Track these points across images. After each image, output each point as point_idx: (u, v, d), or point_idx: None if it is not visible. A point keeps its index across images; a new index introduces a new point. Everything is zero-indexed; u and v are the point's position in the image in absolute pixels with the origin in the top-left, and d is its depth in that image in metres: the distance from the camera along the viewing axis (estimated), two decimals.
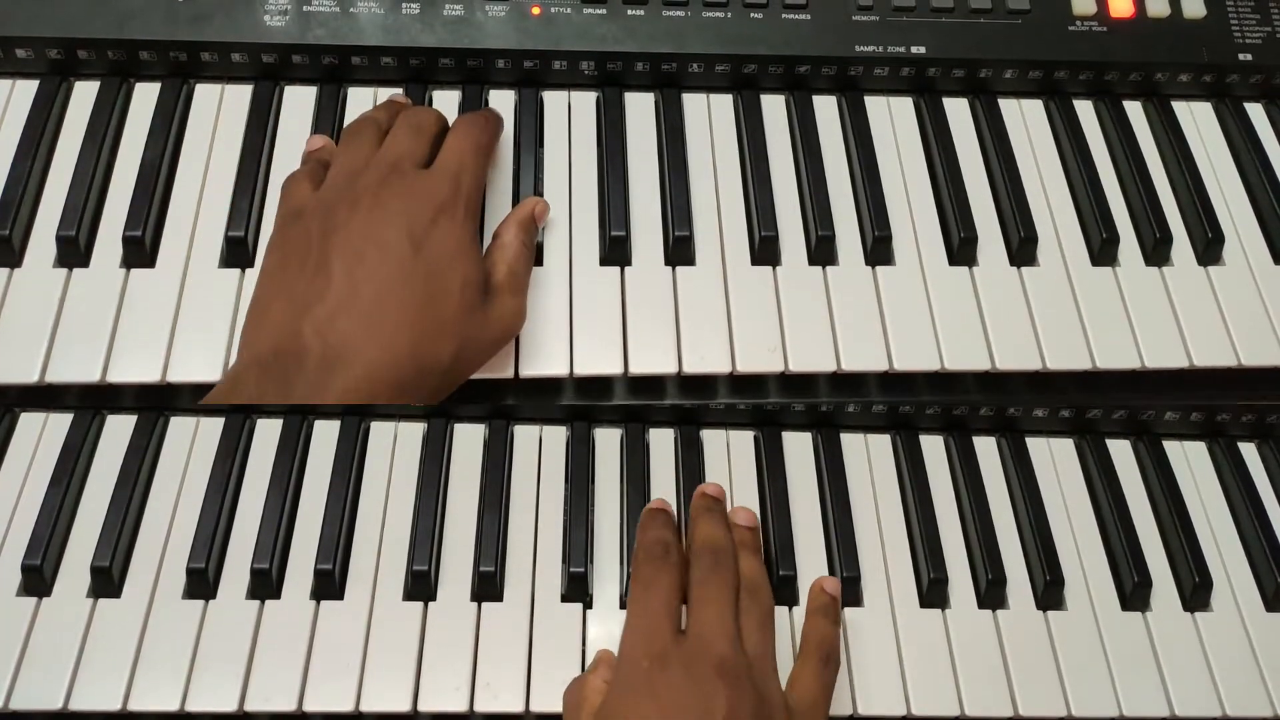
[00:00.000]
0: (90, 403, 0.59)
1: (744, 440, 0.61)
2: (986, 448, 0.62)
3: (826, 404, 0.60)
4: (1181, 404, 0.61)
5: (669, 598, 0.50)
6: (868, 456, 0.61)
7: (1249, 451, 0.64)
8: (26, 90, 0.60)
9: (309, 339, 0.46)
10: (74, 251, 0.55)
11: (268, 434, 0.60)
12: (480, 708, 0.52)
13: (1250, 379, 0.59)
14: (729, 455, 0.61)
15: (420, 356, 0.47)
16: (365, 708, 0.52)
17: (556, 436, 0.61)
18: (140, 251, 0.55)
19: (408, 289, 0.47)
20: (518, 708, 0.52)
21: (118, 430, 0.59)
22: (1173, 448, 0.64)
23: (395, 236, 0.48)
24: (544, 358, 0.54)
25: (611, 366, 0.54)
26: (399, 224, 0.49)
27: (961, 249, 0.59)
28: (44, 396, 0.58)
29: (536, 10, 0.60)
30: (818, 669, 0.50)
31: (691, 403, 0.59)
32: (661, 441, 0.61)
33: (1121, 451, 0.63)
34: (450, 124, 0.56)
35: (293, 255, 0.49)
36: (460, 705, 0.52)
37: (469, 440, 0.60)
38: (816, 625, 0.53)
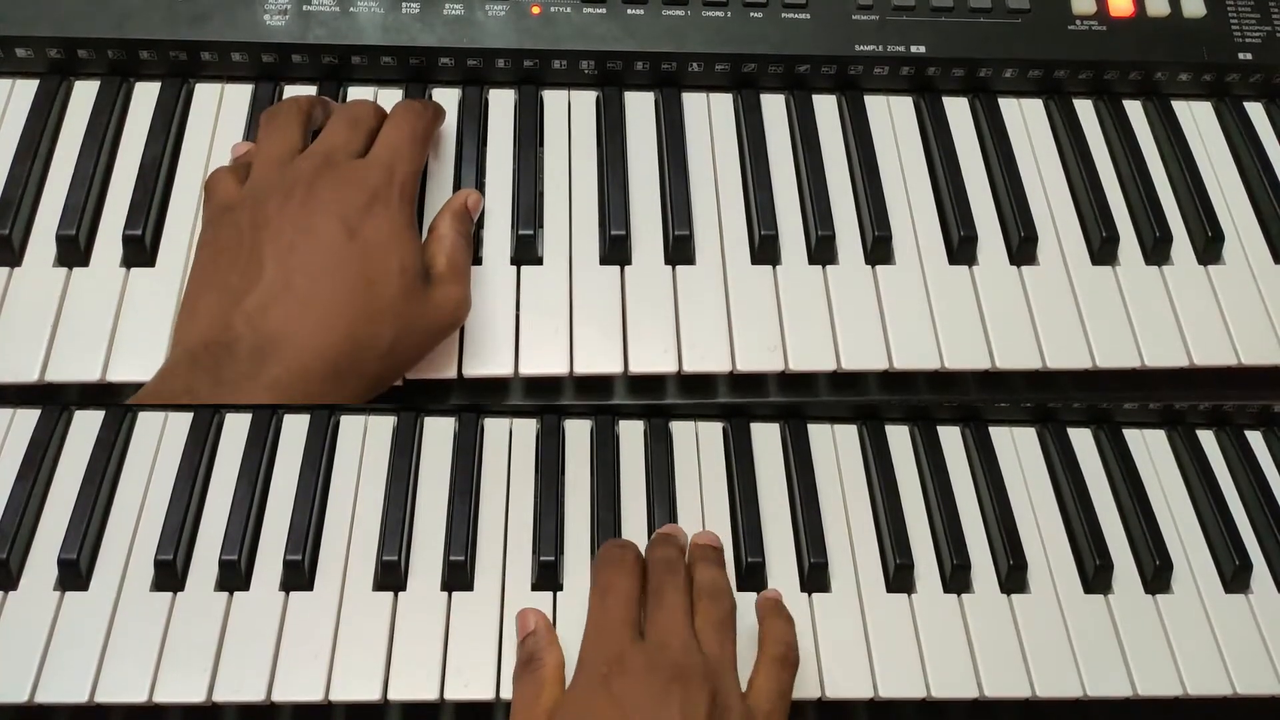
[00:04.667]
0: (56, 398, 0.59)
1: (712, 432, 0.62)
2: (951, 437, 0.63)
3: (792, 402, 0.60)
4: (1145, 399, 0.63)
5: (626, 602, 0.50)
6: (835, 447, 0.62)
7: (1207, 439, 0.66)
8: (26, 90, 0.60)
9: (240, 328, 0.45)
10: (74, 251, 0.55)
11: (237, 427, 0.60)
12: (450, 696, 0.52)
13: (1207, 377, 0.59)
14: (698, 447, 0.61)
15: (357, 339, 0.46)
16: (334, 697, 0.52)
17: (526, 428, 0.61)
18: (140, 251, 0.55)
19: (342, 274, 0.47)
20: (488, 695, 0.53)
21: (85, 424, 0.59)
22: (1132, 435, 0.65)
23: (328, 224, 0.48)
24: (543, 356, 0.54)
25: (611, 365, 0.54)
26: (332, 212, 0.48)
27: (961, 248, 0.59)
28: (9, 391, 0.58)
29: (536, 9, 0.60)
30: (775, 670, 0.51)
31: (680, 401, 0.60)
32: (630, 433, 0.62)
33: (1082, 439, 0.64)
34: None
35: (224, 249, 0.48)
36: (431, 694, 0.52)
37: (439, 432, 0.60)
38: (772, 626, 0.53)
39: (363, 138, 0.52)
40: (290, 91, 0.61)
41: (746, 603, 0.56)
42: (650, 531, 0.58)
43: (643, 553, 0.54)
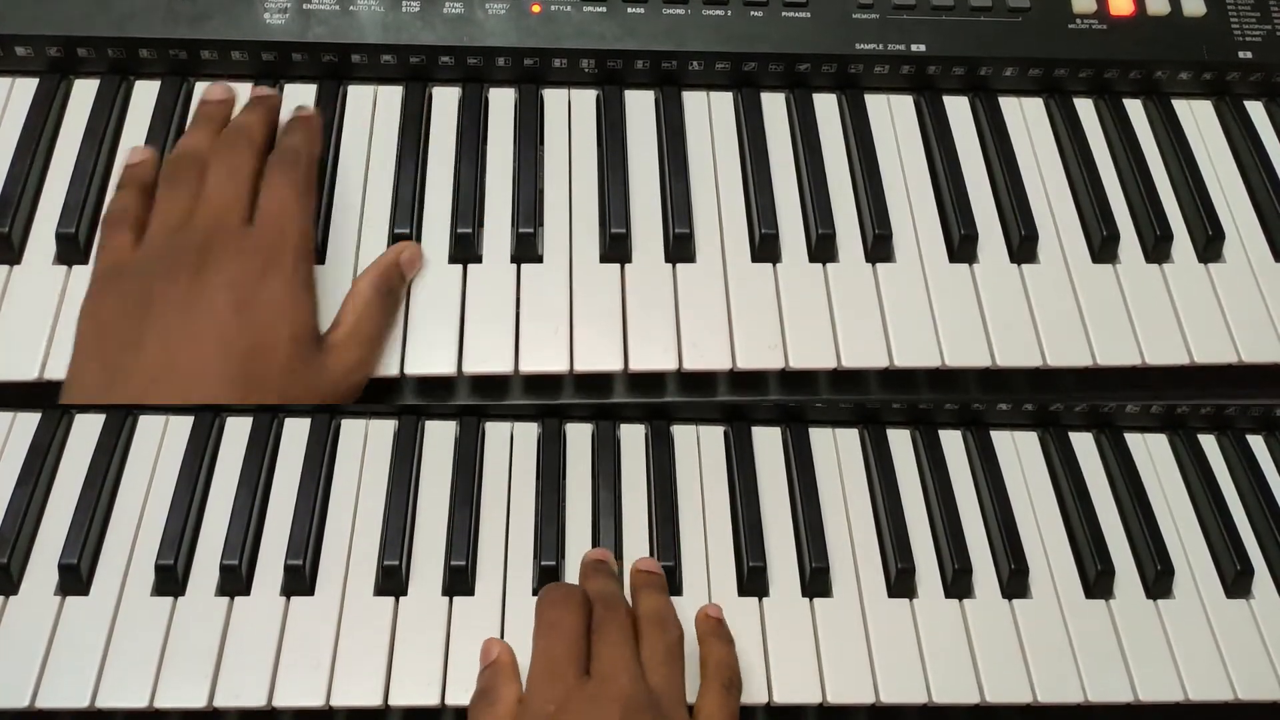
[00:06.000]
0: (55, 396, 0.58)
1: (713, 435, 0.62)
2: (952, 441, 0.63)
3: (793, 400, 0.60)
4: (1147, 399, 0.63)
5: (571, 639, 0.49)
6: (836, 451, 0.62)
7: (1208, 443, 0.65)
8: (26, 88, 0.60)
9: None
10: (73, 249, 0.55)
11: (237, 431, 0.60)
12: (452, 701, 0.52)
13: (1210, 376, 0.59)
14: (699, 450, 0.61)
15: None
16: (336, 703, 0.52)
17: (527, 432, 0.61)
18: None
19: (227, 348, 0.46)
20: None
21: (86, 428, 0.59)
22: (1134, 439, 0.64)
23: (216, 301, 0.47)
24: (544, 354, 0.54)
25: (611, 363, 0.54)
26: (221, 288, 0.47)
27: (962, 246, 0.59)
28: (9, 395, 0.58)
29: (537, 8, 0.60)
30: (721, 695, 0.50)
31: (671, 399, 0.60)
32: (632, 437, 0.61)
33: (1084, 443, 0.64)
34: (278, 132, 0.55)
35: (107, 323, 0.48)
36: (432, 699, 0.52)
37: (440, 437, 0.60)
38: (712, 649, 0.52)
39: (246, 191, 0.51)
40: (290, 90, 0.61)
41: (746, 608, 0.56)
42: (652, 537, 0.58)
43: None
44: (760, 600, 0.56)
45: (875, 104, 0.63)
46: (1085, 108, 0.65)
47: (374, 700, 0.52)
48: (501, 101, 0.62)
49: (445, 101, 0.61)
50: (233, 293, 0.47)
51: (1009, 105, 0.64)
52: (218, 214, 0.50)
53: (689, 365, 0.54)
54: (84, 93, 0.60)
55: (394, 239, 0.56)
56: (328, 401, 0.50)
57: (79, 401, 0.47)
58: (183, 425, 0.59)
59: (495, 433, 0.61)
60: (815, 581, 0.57)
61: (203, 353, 0.46)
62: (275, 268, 0.49)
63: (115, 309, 0.48)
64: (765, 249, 0.58)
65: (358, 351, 0.51)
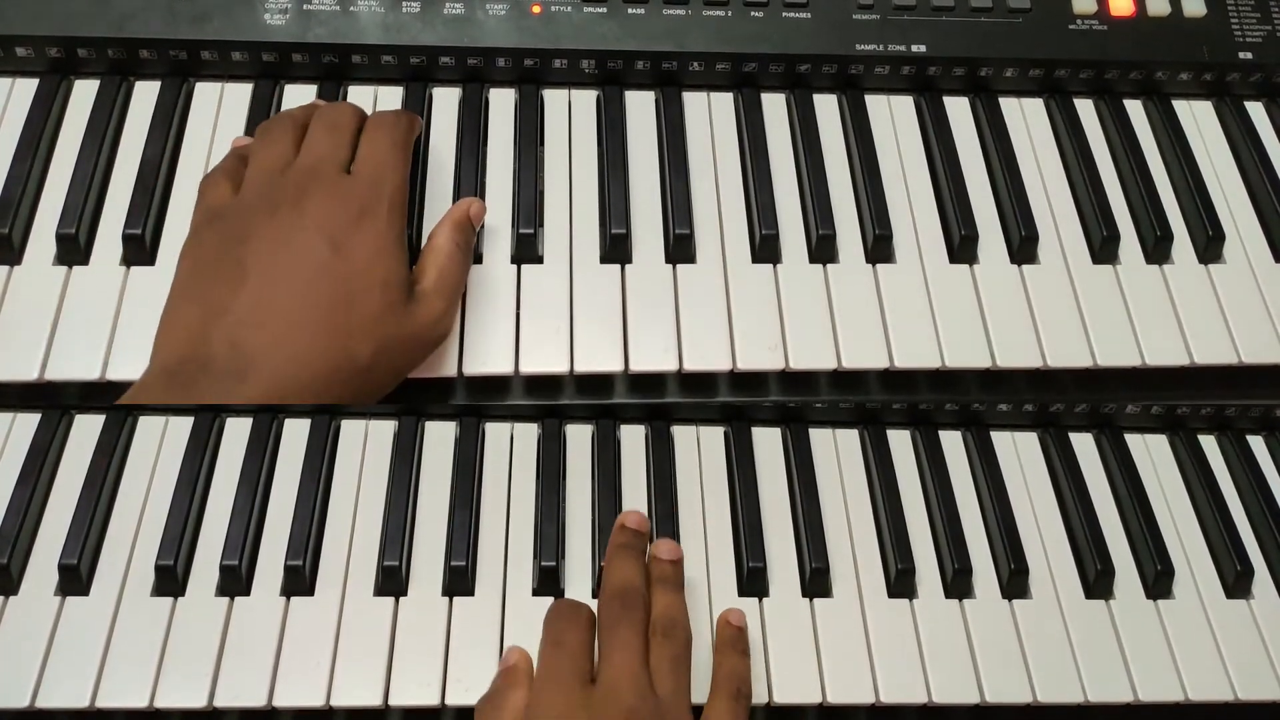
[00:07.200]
0: (56, 401, 0.59)
1: (714, 436, 0.62)
2: (952, 441, 0.63)
3: (793, 401, 0.60)
4: (1147, 400, 0.62)
5: (578, 654, 0.50)
6: (836, 451, 0.62)
7: (1208, 443, 0.65)
8: (27, 88, 0.60)
9: (216, 346, 0.45)
10: (74, 249, 0.55)
11: (237, 431, 0.60)
12: (452, 701, 0.52)
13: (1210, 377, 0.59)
14: (699, 451, 0.61)
15: (336, 357, 0.47)
16: (335, 703, 0.52)
17: (527, 433, 0.61)
18: (140, 249, 0.55)
19: (323, 291, 0.47)
20: None
21: (86, 428, 0.59)
22: (1134, 440, 0.64)
23: (313, 239, 0.48)
24: (544, 355, 0.54)
25: (612, 364, 0.54)
26: (318, 227, 0.48)
27: (962, 247, 0.59)
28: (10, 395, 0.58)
29: (537, 9, 0.60)
30: (729, 705, 0.50)
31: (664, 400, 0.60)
32: (632, 438, 0.61)
33: (1084, 444, 0.64)
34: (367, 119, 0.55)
35: (206, 262, 0.49)
36: (432, 699, 0.52)
37: (440, 437, 0.60)
38: (725, 659, 0.52)
39: (346, 145, 0.52)
40: (290, 91, 0.61)
41: (746, 608, 0.55)
42: (652, 538, 0.57)
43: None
44: (760, 600, 0.56)
45: (876, 104, 0.63)
46: (1085, 108, 0.65)
47: (374, 700, 0.52)
48: (502, 102, 0.62)
49: (445, 102, 0.62)
50: (328, 235, 0.48)
51: (1009, 106, 0.64)
52: (316, 161, 0.51)
53: (689, 366, 0.54)
54: (84, 93, 0.60)
55: None
56: (414, 354, 0.51)
57: (170, 345, 0.47)
58: (183, 425, 0.59)
59: (495, 433, 0.61)
60: (815, 582, 0.57)
61: (298, 289, 0.47)
62: (371, 215, 0.49)
63: (215, 247, 0.49)
64: (765, 249, 0.58)
65: (442, 303, 0.51)
